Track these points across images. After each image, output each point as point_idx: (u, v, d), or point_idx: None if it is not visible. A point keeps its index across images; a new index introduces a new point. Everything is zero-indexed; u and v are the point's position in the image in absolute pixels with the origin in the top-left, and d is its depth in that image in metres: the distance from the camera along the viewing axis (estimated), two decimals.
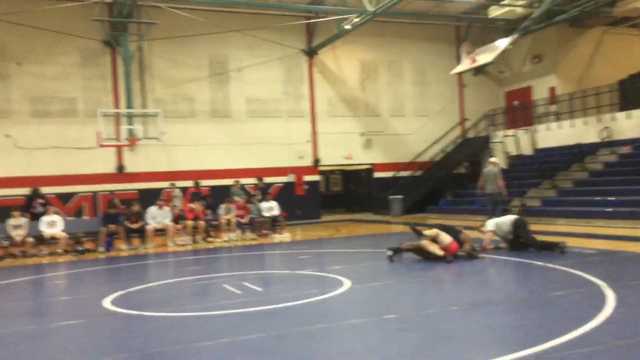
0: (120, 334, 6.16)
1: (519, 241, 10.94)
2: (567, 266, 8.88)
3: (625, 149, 18.32)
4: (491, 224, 11.06)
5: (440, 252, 9.87)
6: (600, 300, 6.49)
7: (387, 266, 10.04)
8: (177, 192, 18.46)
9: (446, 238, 10.04)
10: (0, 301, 8.40)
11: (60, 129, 19.29)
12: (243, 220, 16.25)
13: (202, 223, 15.71)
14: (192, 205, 15.99)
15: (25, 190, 17.02)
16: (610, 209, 14.90)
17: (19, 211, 14.61)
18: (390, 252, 10.36)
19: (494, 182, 15.44)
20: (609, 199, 15.68)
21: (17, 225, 14.25)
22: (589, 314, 5.84)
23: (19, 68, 18.92)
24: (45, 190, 17.87)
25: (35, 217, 15.04)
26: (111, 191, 18.71)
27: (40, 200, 15.65)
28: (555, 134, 21.28)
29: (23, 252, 14.03)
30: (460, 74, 23.96)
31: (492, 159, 16.72)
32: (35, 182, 17.38)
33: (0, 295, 8.98)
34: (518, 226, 10.83)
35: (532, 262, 9.55)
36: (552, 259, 9.71)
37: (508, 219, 11.09)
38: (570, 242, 11.21)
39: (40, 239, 14.30)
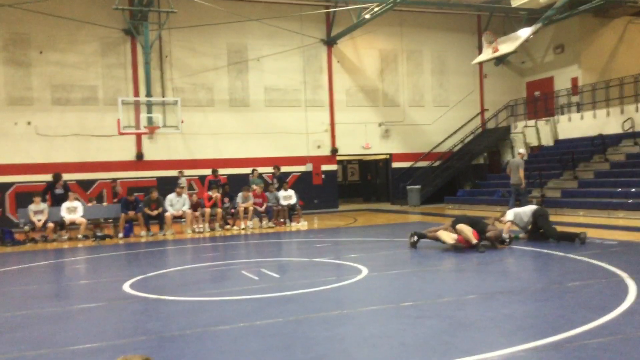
0: (140, 317, 6.23)
1: (538, 232, 10.84)
2: (588, 257, 8.78)
3: None
4: (511, 214, 10.95)
5: (451, 241, 9.90)
6: (622, 290, 6.40)
7: (405, 255, 10.02)
8: (183, 181, 18.34)
9: (464, 229, 9.98)
10: (22, 284, 8.54)
11: (80, 116, 19.49)
12: (260, 209, 16.29)
13: (219, 211, 15.79)
14: (210, 193, 16.07)
15: (46, 177, 17.21)
16: (631, 201, 14.67)
17: (40, 197, 14.81)
18: (414, 238, 10.36)
19: (517, 173, 15.51)
20: (631, 190, 15.44)
21: (38, 211, 14.46)
22: (610, 304, 5.77)
23: (40, 56, 19.12)
24: (65, 177, 18.08)
25: (56, 202, 15.20)
26: (113, 179, 18.73)
27: (61, 182, 15.79)
28: (577, 125, 20.99)
29: (44, 237, 14.25)
30: (481, 64, 23.71)
31: (520, 150, 16.90)
32: (56, 168, 17.55)
33: (22, 279, 9.13)
34: (538, 216, 10.72)
35: (552, 252, 9.46)
36: (573, 249, 9.61)
37: (529, 209, 10.97)
38: (591, 233, 11.08)
39: (61, 225, 14.50)
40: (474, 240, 9.82)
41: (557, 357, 4.37)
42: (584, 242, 10.09)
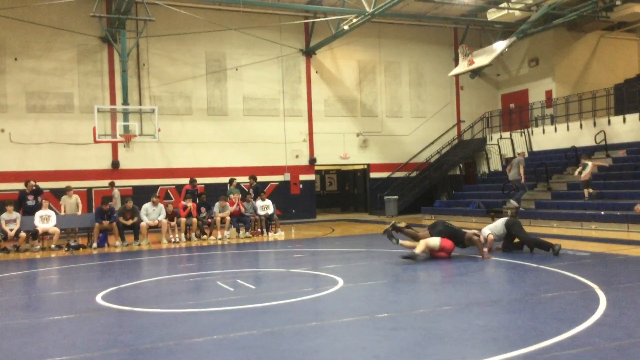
0: (112, 330, 6.14)
1: (512, 242, 11.01)
2: (561, 268, 8.91)
3: (620, 153, 18.38)
4: (487, 230, 11.09)
5: (420, 248, 10.23)
6: (593, 302, 6.51)
7: (381, 265, 10.06)
8: (116, 192, 17.82)
9: (433, 241, 10.33)
10: None
11: (56, 124, 19.26)
12: (237, 210, 16.22)
13: (194, 220, 15.69)
14: (185, 202, 15.97)
15: (20, 185, 16.94)
16: (603, 212, 14.94)
17: (12, 206, 14.56)
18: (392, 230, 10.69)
19: (517, 169, 17.18)
20: (602, 202, 15.72)
21: (10, 220, 14.21)
22: (581, 316, 5.86)
23: (15, 63, 18.88)
24: (40, 185, 17.80)
25: (27, 213, 14.91)
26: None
27: (31, 185, 15.47)
28: (551, 137, 21.35)
29: (16, 246, 14.01)
30: (457, 76, 24.01)
31: (520, 150, 19.19)
32: (30, 177, 17.26)
33: None
34: (510, 225, 10.89)
35: (526, 263, 9.58)
36: (546, 261, 9.74)
37: (500, 222, 11.14)
38: (564, 244, 11.26)
39: (34, 234, 14.27)
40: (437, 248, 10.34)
41: None
42: (557, 253, 10.25)
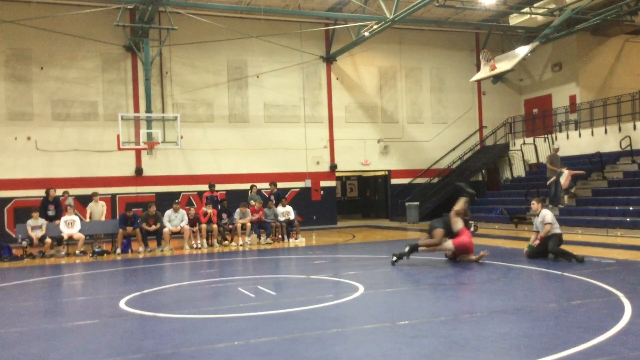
0: (135, 335, 6.21)
1: (540, 247, 10.88)
2: (585, 276, 8.78)
3: None
4: (549, 216, 10.95)
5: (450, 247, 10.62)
6: (618, 310, 6.40)
7: (402, 272, 10.02)
8: (70, 200, 16.45)
9: (447, 244, 10.73)
10: (17, 300, 8.53)
11: (80, 132, 19.57)
12: (254, 218, 16.27)
13: (215, 227, 15.79)
14: (205, 209, 16.08)
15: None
16: (629, 219, 14.68)
17: (38, 212, 14.80)
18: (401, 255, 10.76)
19: (558, 166, 17.32)
20: (629, 208, 15.46)
21: (36, 226, 14.45)
22: (605, 324, 5.76)
23: (41, 72, 19.24)
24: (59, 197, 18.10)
25: (48, 220, 15.04)
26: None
27: (52, 194, 15.57)
28: (575, 143, 21.06)
29: (42, 252, 14.23)
30: (479, 81, 23.84)
31: (556, 145, 18.89)
32: (55, 183, 17.58)
33: (18, 295, 9.11)
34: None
35: (550, 270, 9.46)
36: (570, 268, 9.61)
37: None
38: (589, 251, 11.11)
39: (59, 240, 14.49)
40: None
41: None
42: (582, 260, 10.10)
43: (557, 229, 10.91)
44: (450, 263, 10.71)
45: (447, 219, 11.13)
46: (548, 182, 17.32)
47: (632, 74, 23.71)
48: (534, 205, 11.37)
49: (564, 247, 10.77)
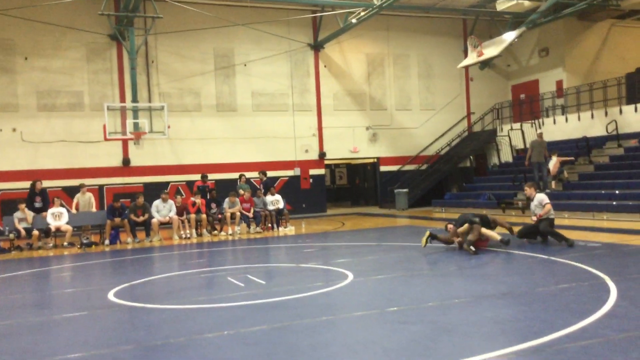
0: (124, 326, 6.21)
1: (532, 229, 10.97)
2: (572, 259, 8.87)
3: (632, 142, 18.24)
4: (545, 197, 11.08)
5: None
6: (604, 293, 6.48)
7: (391, 259, 10.07)
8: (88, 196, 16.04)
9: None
10: (5, 293, 8.49)
11: (66, 122, 19.39)
12: (248, 214, 16.28)
13: (204, 216, 15.77)
14: (194, 199, 16.04)
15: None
16: (615, 203, 14.83)
17: (24, 204, 14.69)
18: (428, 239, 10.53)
19: (542, 150, 17.35)
20: (615, 192, 15.61)
21: (23, 218, 14.36)
22: (591, 307, 5.83)
23: (26, 62, 19.02)
24: (51, 183, 18.03)
25: (35, 212, 14.95)
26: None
27: (39, 186, 15.42)
28: (562, 127, 21.19)
29: (29, 244, 14.15)
30: (466, 67, 23.87)
31: (539, 131, 19.13)
32: (42, 175, 17.45)
33: (6, 288, 9.06)
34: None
35: (537, 255, 9.54)
36: (557, 252, 9.70)
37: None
38: (576, 235, 11.22)
39: (46, 232, 14.40)
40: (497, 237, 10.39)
41: None
42: (572, 245, 10.20)
43: (552, 215, 11.00)
44: (438, 249, 10.77)
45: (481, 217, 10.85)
46: (527, 163, 17.65)
47: (618, 59, 23.83)
48: (528, 190, 11.45)
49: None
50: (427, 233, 10.65)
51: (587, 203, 15.58)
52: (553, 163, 17.73)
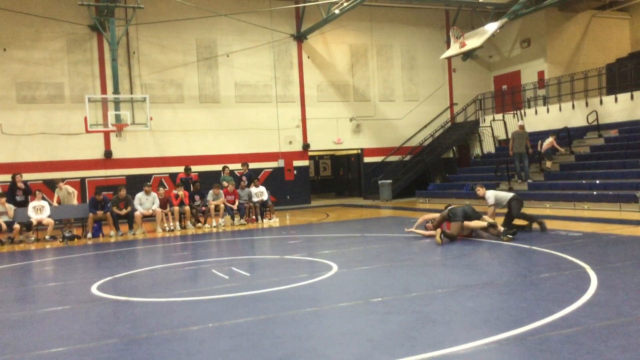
0: (108, 320, 6.17)
1: (511, 221, 11.12)
2: (553, 249, 8.99)
3: (612, 133, 18.45)
4: (492, 197, 11.21)
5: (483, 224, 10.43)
6: (584, 282, 6.57)
7: (375, 250, 10.12)
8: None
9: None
10: None
11: (47, 114, 19.15)
12: (232, 206, 16.24)
13: (187, 209, 15.70)
14: (176, 191, 15.96)
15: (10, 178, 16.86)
16: (596, 192, 15.02)
17: (4, 197, 14.51)
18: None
19: (523, 141, 17.43)
20: (595, 182, 15.80)
21: (3, 212, 14.19)
22: (572, 296, 5.92)
23: (5, 53, 18.71)
24: (32, 176, 17.84)
25: (16, 206, 14.83)
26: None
27: (21, 186, 15.31)
28: (544, 118, 21.37)
29: (10, 238, 13.99)
30: (449, 58, 23.94)
31: (520, 123, 19.24)
32: (22, 168, 17.25)
33: None
34: (513, 200, 11.12)
35: (519, 245, 9.65)
36: (538, 242, 9.82)
37: (505, 196, 11.27)
38: (557, 224, 11.36)
39: (28, 226, 14.25)
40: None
41: (519, 350, 4.48)
42: (544, 229, 10.54)
43: (507, 199, 11.14)
44: (420, 240, 10.84)
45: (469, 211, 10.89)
46: (510, 152, 17.78)
47: (599, 49, 24.07)
48: (479, 191, 11.56)
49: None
50: (438, 231, 10.48)
51: (568, 193, 15.76)
52: (547, 142, 18.04)
